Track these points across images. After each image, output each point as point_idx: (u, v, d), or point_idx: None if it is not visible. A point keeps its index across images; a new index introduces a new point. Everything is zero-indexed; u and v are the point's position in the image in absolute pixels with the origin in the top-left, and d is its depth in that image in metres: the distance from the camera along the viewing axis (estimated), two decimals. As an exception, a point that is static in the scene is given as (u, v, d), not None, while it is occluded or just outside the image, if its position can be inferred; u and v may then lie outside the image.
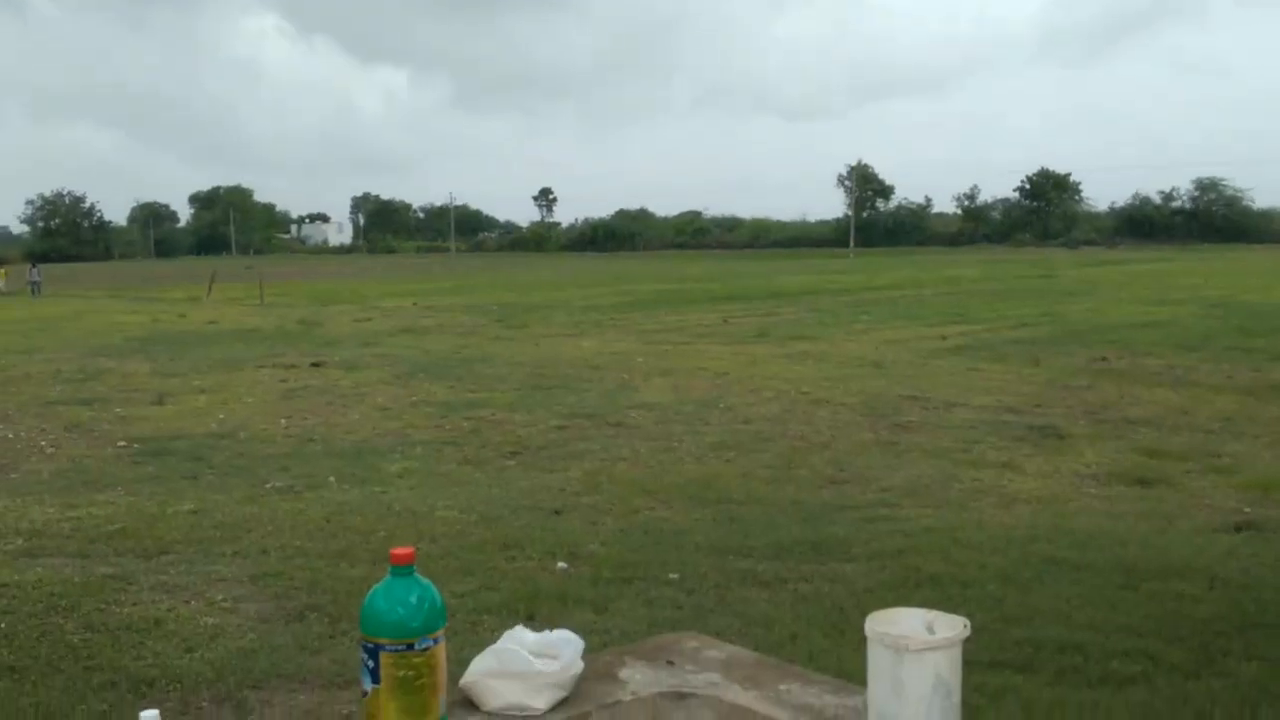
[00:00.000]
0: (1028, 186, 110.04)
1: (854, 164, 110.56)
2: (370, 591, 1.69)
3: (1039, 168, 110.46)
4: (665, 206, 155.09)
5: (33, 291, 42.28)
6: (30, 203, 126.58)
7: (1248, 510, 6.70)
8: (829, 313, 24.52)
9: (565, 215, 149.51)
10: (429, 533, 6.25)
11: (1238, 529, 6.23)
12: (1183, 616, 4.71)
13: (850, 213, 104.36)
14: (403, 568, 1.68)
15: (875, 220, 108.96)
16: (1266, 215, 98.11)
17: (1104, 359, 14.60)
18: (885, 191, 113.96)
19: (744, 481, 7.67)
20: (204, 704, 3.97)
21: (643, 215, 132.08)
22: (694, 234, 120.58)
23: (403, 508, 6.95)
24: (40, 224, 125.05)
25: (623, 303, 29.47)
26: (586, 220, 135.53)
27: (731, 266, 63.57)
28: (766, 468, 8.14)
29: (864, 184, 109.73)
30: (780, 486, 7.52)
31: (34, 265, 47.90)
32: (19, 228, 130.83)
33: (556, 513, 6.79)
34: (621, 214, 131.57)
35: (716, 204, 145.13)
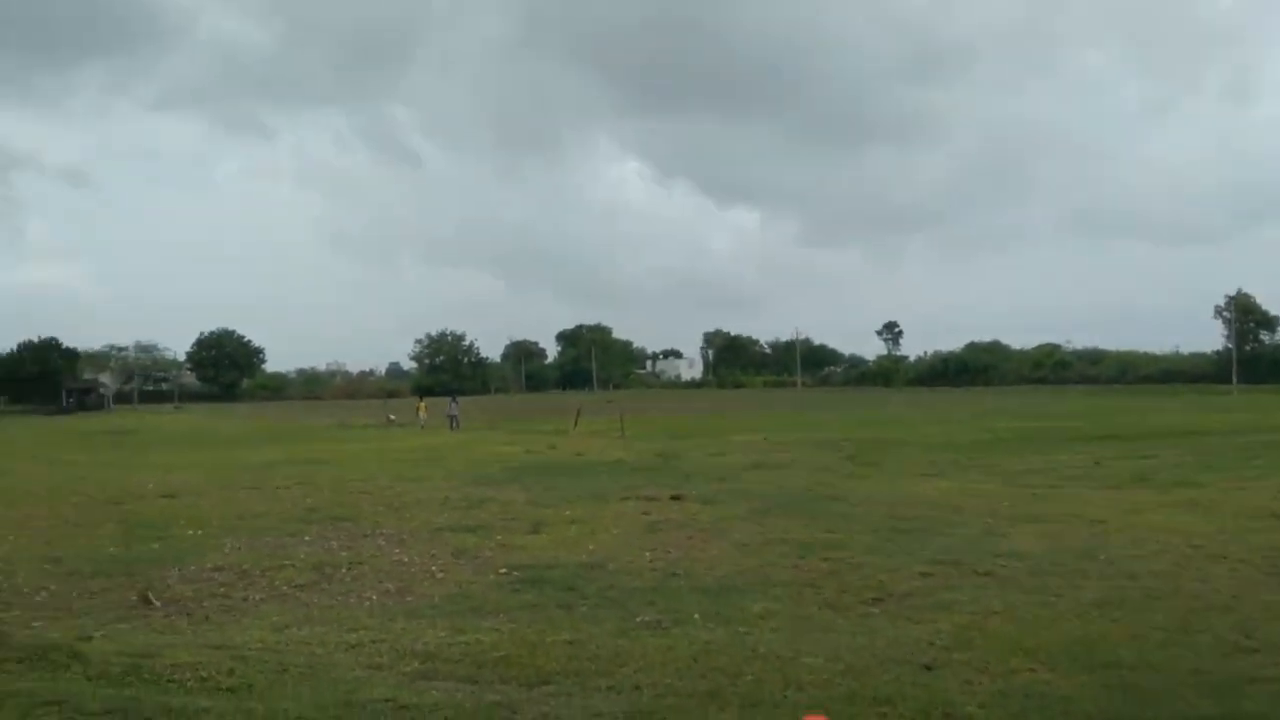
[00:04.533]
0: None
1: (1233, 293, 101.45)
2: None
3: None
4: (1020, 339, 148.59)
5: (451, 425, 43.09)
6: (419, 341, 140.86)
7: None
8: (1215, 455, 22.37)
9: (912, 348, 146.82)
10: (795, 680, 6.17)
11: None
12: None
13: (1231, 345, 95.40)
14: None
15: (1259, 354, 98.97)
16: None
17: None
18: (1269, 323, 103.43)
19: (1134, 644, 7.02)
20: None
21: (996, 347, 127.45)
22: (1053, 367, 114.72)
23: (767, 651, 6.91)
24: (426, 360, 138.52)
25: (981, 441, 28.34)
26: (935, 353, 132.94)
27: (1098, 403, 59.78)
28: (1159, 629, 7.42)
29: (1244, 315, 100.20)
30: (1177, 652, 6.82)
31: (454, 399, 48.22)
32: (408, 364, 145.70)
33: (927, 668, 6.50)
34: (973, 346, 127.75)
35: (1077, 335, 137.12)
